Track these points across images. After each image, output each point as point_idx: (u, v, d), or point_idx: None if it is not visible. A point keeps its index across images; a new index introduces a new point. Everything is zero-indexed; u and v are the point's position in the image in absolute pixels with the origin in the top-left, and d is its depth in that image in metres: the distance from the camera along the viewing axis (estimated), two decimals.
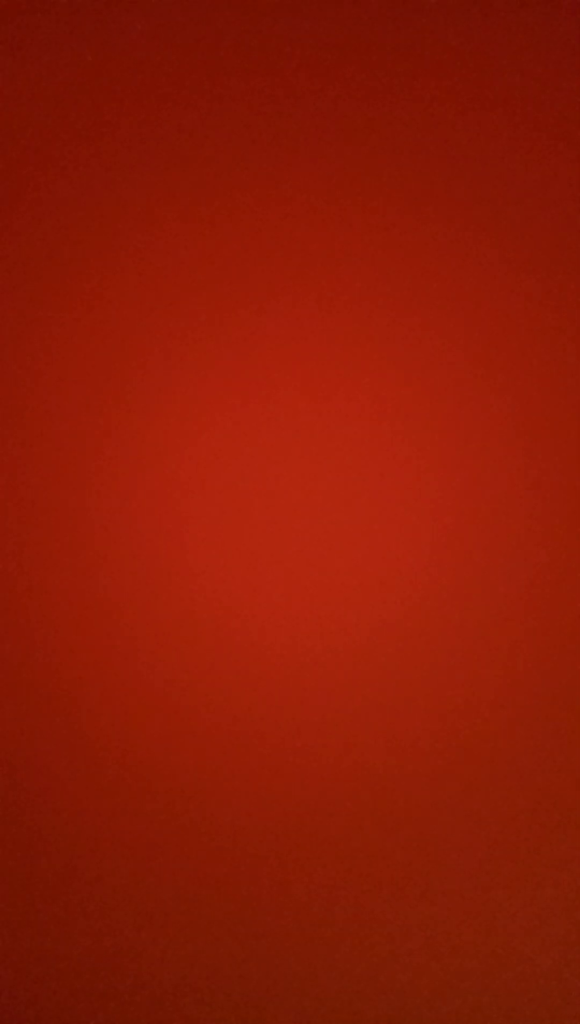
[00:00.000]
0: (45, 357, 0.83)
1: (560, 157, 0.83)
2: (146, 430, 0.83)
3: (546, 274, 0.82)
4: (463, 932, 0.81)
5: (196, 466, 0.83)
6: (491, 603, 0.81)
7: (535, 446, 0.82)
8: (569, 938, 0.81)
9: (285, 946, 0.81)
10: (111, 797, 0.82)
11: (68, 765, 0.82)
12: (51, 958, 0.82)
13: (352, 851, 0.81)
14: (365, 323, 0.82)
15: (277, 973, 0.82)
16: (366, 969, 0.81)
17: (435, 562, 0.82)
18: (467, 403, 0.82)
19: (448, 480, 0.82)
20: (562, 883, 0.81)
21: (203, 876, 0.82)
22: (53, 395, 0.83)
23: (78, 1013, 0.82)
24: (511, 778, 0.81)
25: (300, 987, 0.82)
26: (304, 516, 0.82)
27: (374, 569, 0.82)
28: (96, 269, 0.83)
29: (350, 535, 0.82)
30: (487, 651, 0.81)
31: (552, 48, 0.83)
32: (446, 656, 0.81)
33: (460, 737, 0.81)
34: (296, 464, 0.82)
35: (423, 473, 0.82)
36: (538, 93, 0.83)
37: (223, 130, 0.83)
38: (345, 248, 0.83)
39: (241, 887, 0.82)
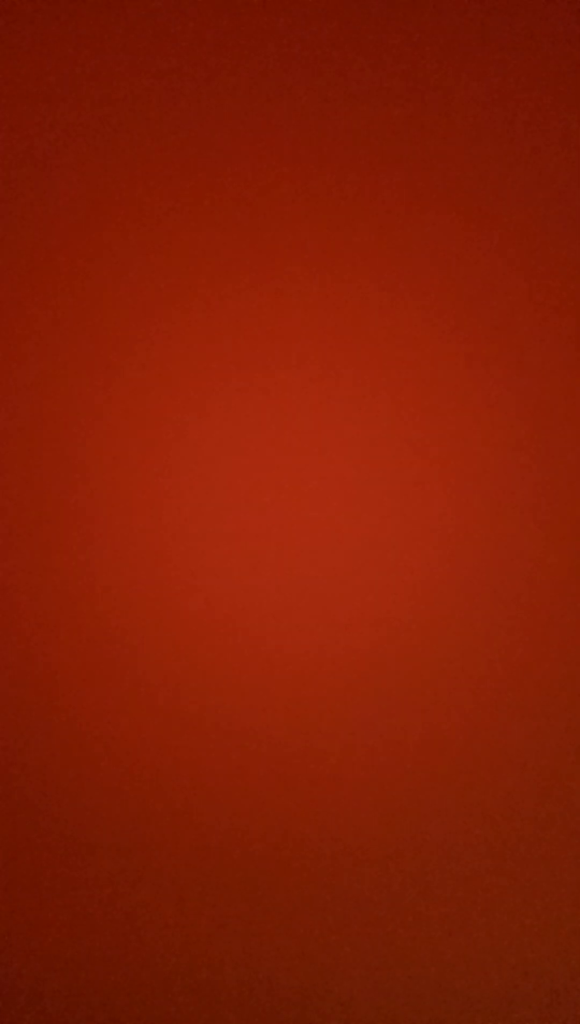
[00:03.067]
0: (43, 346, 0.83)
1: (561, 154, 0.83)
2: (144, 423, 0.83)
3: (547, 264, 0.82)
4: (464, 932, 0.81)
5: (194, 460, 0.83)
6: (494, 600, 0.81)
7: (539, 438, 0.82)
8: (571, 939, 0.81)
9: (285, 946, 0.82)
10: (111, 800, 0.82)
11: (67, 768, 0.82)
12: (51, 959, 0.82)
13: (353, 852, 0.81)
14: (366, 314, 0.82)
15: (277, 975, 0.82)
16: (366, 969, 0.81)
17: (437, 558, 0.82)
18: (470, 395, 0.82)
19: (451, 473, 0.82)
20: (563, 885, 0.81)
21: (204, 878, 0.82)
22: (51, 386, 0.83)
23: (78, 1011, 0.82)
24: (513, 780, 0.81)
25: (300, 989, 0.82)
26: (304, 509, 0.82)
27: (375, 567, 0.82)
28: (95, 258, 0.83)
29: (351, 530, 0.82)
30: (489, 651, 0.81)
31: (552, 47, 0.83)
32: (448, 656, 0.82)
33: (462, 740, 0.81)
34: (296, 457, 0.82)
35: (425, 467, 0.82)
36: (538, 89, 0.83)
37: (224, 116, 0.83)
38: (347, 235, 0.83)
39: (242, 891, 0.82)
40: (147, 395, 0.83)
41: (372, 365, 0.82)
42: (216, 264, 0.83)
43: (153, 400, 0.83)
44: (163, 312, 0.83)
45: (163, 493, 0.83)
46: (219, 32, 0.83)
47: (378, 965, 0.81)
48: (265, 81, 0.83)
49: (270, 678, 0.82)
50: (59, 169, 0.84)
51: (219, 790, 0.82)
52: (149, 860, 0.82)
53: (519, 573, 0.82)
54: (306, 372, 0.83)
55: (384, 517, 0.82)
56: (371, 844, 0.81)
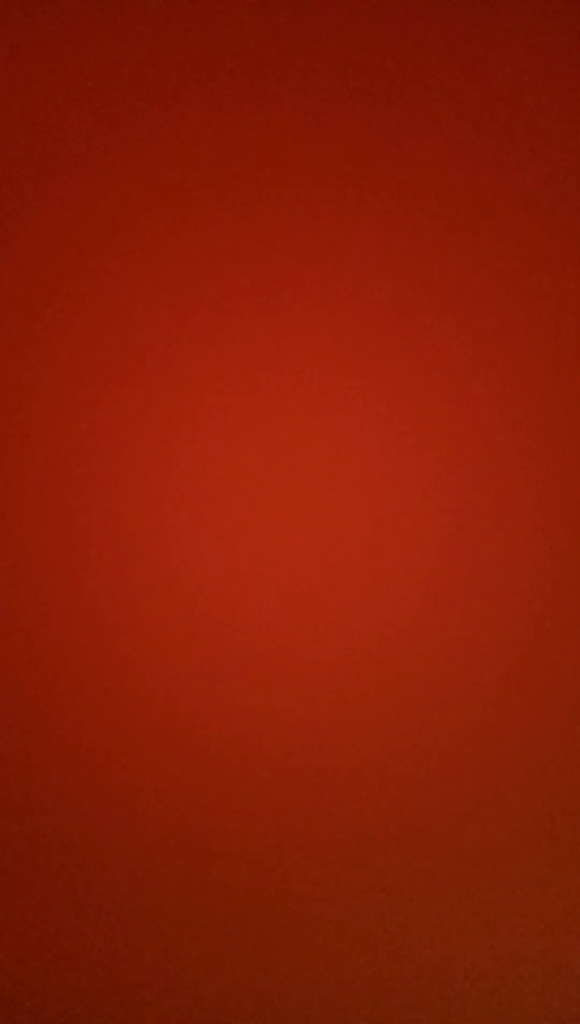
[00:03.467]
0: (45, 359, 0.83)
1: (561, 156, 0.82)
2: (145, 430, 0.83)
3: (547, 270, 0.82)
4: (465, 935, 0.81)
5: (195, 467, 0.83)
6: (492, 604, 0.81)
7: (536, 441, 0.82)
8: (572, 942, 0.81)
9: (285, 946, 0.82)
10: (111, 801, 0.82)
11: (67, 767, 0.82)
12: (51, 961, 0.82)
13: (353, 852, 0.81)
14: (366, 323, 0.82)
15: (277, 979, 0.82)
16: (367, 974, 0.81)
17: (436, 562, 0.82)
18: (468, 403, 0.82)
19: (449, 477, 0.82)
20: (564, 884, 0.81)
21: (204, 879, 0.82)
22: (53, 396, 0.83)
23: (77, 1016, 0.82)
24: (514, 778, 0.81)
25: (300, 993, 0.82)
26: (304, 515, 0.82)
27: (376, 570, 0.82)
28: (97, 269, 0.83)
29: (350, 536, 0.82)
30: (489, 653, 0.81)
31: (553, 46, 0.83)
32: (447, 658, 0.81)
33: (463, 741, 0.81)
34: (296, 464, 0.82)
35: (424, 471, 0.82)
36: (539, 91, 0.83)
37: (224, 126, 0.83)
38: (346, 246, 0.83)
39: (241, 891, 0.82)
40: (148, 401, 0.83)
41: (373, 371, 0.82)
42: (216, 272, 0.83)
43: (154, 405, 0.83)
44: (163, 318, 0.83)
45: (164, 498, 0.83)
46: (223, 52, 0.83)
47: (379, 967, 0.81)
48: (270, 96, 0.83)
49: (270, 680, 0.82)
50: (61, 177, 0.84)
51: (219, 792, 0.82)
52: (148, 860, 0.82)
53: (520, 575, 0.82)
54: (307, 378, 0.82)
55: (385, 522, 0.82)
56: (372, 846, 0.81)
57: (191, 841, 0.82)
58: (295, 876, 0.82)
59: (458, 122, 0.83)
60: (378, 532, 0.82)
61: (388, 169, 0.83)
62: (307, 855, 0.82)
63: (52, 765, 0.82)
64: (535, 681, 0.81)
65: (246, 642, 0.82)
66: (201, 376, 0.83)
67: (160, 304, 0.83)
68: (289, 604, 0.82)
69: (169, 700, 0.82)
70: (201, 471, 0.83)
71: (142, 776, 0.82)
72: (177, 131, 0.84)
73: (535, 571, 0.82)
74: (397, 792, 0.81)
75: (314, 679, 0.82)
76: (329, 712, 0.82)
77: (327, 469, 0.82)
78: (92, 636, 0.82)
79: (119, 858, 0.82)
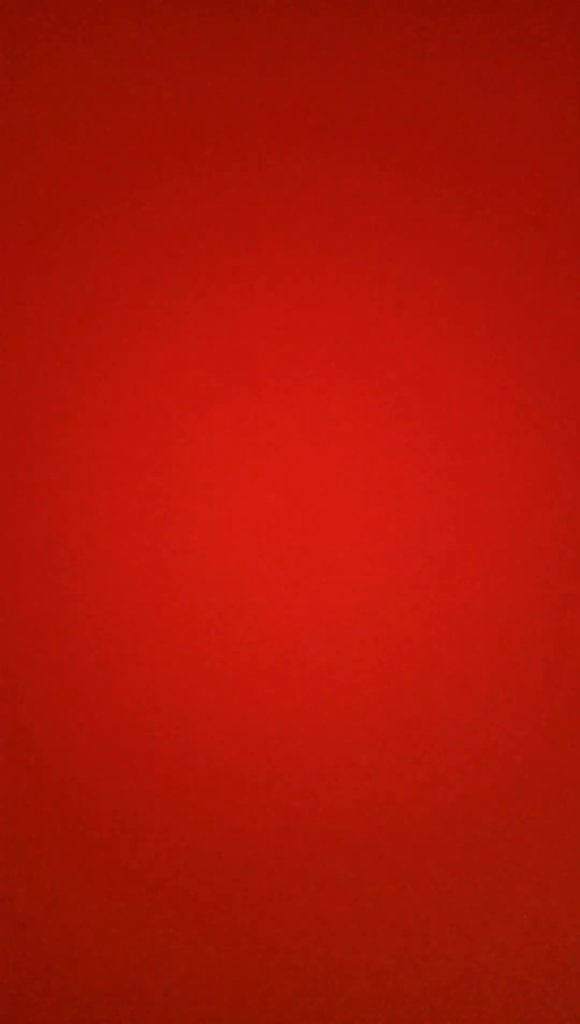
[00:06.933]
0: (42, 350, 0.83)
1: (563, 154, 0.83)
2: (144, 420, 0.83)
3: (548, 266, 0.82)
4: (465, 936, 0.81)
5: (193, 458, 0.82)
6: (490, 591, 0.81)
7: (532, 434, 0.82)
8: (570, 941, 0.81)
9: (284, 935, 0.81)
10: (110, 804, 0.82)
11: (67, 767, 0.82)
12: (52, 964, 0.82)
13: (351, 845, 0.81)
14: (365, 315, 0.82)
15: (276, 972, 0.81)
16: (367, 962, 0.81)
17: (432, 552, 0.82)
18: (473, 395, 0.82)
19: (445, 467, 0.82)
20: (565, 874, 0.81)
21: (205, 878, 0.82)
22: (49, 387, 0.83)
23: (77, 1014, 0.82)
24: (514, 767, 0.81)
25: (299, 992, 0.81)
26: (301, 506, 0.82)
27: (373, 564, 0.82)
28: (93, 257, 0.83)
29: (348, 529, 0.82)
30: (488, 640, 0.81)
31: (553, 42, 0.83)
32: (447, 647, 0.81)
33: (462, 738, 0.81)
34: (293, 453, 0.82)
35: (420, 462, 0.82)
36: (540, 88, 0.83)
37: (222, 116, 0.83)
38: (345, 238, 0.82)
39: (244, 896, 0.82)
40: (147, 394, 0.83)
41: (373, 363, 0.82)
42: (215, 260, 0.83)
43: (153, 400, 0.83)
44: (163, 310, 0.83)
45: (163, 495, 0.82)
46: (221, 37, 0.83)
47: (379, 969, 0.81)
48: (268, 88, 0.83)
49: (269, 681, 0.82)
50: (59, 166, 0.84)
51: (217, 783, 0.82)
52: (149, 861, 0.82)
53: (516, 566, 0.81)
54: (307, 369, 0.82)
55: (381, 517, 0.82)
56: (370, 837, 0.81)
57: (189, 838, 0.82)
58: (296, 879, 0.81)
59: (461, 114, 0.83)
60: (378, 527, 0.82)
61: (390, 161, 0.83)
62: (309, 856, 0.81)
63: (50, 761, 0.82)
64: (537, 677, 0.81)
65: (245, 641, 0.82)
66: (201, 369, 0.83)
67: (159, 293, 0.83)
68: (288, 603, 0.82)
69: (168, 691, 0.82)
70: (201, 464, 0.82)
71: (140, 770, 0.82)
72: (175, 116, 0.84)
73: (538, 558, 0.81)
74: (397, 781, 0.81)
75: (314, 668, 0.82)
76: (328, 705, 0.82)
77: (325, 456, 0.82)
78: (90, 630, 0.82)
79: (118, 853, 0.82)
